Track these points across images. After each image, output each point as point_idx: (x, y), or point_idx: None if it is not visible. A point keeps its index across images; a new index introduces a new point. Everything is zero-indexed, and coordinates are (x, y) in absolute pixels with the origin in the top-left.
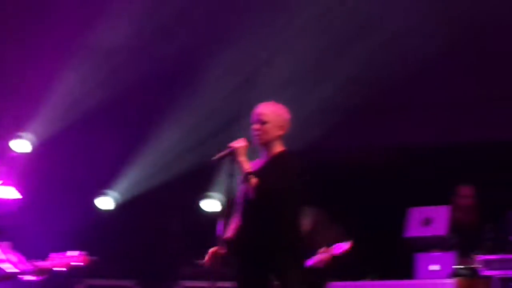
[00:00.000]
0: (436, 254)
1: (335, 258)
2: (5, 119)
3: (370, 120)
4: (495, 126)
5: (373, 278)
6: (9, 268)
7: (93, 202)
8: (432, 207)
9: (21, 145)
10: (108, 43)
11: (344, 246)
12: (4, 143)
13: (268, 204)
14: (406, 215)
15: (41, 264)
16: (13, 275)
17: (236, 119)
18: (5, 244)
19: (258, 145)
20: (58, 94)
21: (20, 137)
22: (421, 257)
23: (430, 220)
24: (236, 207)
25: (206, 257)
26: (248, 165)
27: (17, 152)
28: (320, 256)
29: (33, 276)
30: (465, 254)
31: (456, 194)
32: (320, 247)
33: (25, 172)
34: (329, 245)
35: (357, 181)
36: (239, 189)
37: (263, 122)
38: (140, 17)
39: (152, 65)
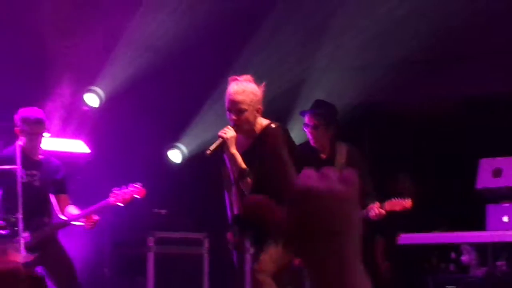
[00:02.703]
0: (508, 205)
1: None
2: (76, 74)
3: (439, 72)
4: None
5: (444, 230)
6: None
7: (161, 156)
8: (503, 158)
9: (92, 99)
10: None
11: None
12: (77, 97)
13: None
14: (477, 166)
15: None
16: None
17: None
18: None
19: (238, 133)
20: (125, 48)
21: (91, 91)
22: (492, 208)
23: (501, 170)
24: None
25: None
26: (240, 160)
27: (89, 106)
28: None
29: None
30: None
31: None
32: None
33: (94, 126)
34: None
35: (428, 133)
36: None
37: (240, 111)
38: None
39: (222, 22)
